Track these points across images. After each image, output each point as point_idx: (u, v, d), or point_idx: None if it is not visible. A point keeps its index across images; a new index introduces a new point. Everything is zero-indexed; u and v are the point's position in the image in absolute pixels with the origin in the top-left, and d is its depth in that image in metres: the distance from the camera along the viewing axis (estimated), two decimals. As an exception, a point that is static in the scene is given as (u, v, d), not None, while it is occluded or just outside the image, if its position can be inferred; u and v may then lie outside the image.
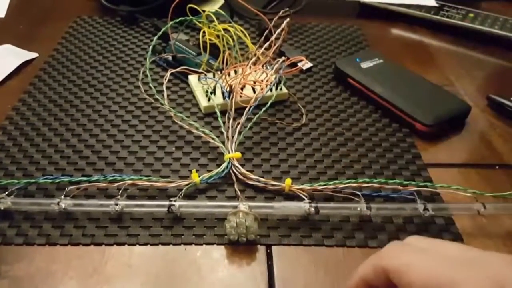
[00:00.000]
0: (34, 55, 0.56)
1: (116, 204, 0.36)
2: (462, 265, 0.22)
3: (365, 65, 0.51)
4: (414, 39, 0.63)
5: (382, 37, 0.63)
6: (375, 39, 0.61)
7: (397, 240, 0.35)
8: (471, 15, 0.63)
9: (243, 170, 0.39)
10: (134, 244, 0.35)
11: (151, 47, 0.47)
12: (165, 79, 0.46)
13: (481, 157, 0.44)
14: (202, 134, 0.43)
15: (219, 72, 0.48)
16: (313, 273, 0.33)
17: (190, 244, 0.35)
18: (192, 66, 0.50)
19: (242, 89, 0.47)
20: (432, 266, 0.23)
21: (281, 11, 0.52)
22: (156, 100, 0.46)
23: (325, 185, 0.38)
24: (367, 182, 0.38)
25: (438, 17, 0.64)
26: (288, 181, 0.38)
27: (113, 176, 0.39)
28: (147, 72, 0.46)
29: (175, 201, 0.36)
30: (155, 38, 0.47)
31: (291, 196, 0.38)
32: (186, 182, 0.38)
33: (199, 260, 0.34)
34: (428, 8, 0.65)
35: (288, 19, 0.48)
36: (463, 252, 0.23)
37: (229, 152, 0.41)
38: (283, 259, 0.34)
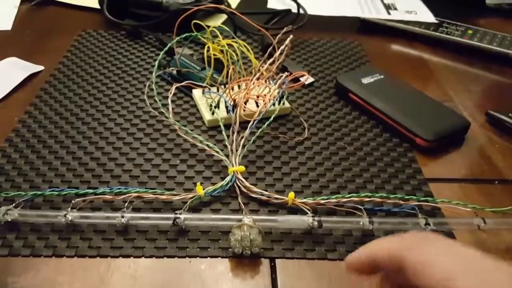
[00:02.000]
0: (40, 68, 0.57)
1: (122, 217, 0.36)
2: (485, 269, 0.22)
3: (366, 80, 0.52)
4: (414, 55, 0.64)
5: (382, 52, 0.64)
6: (375, 55, 0.62)
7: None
8: (470, 31, 0.65)
9: (247, 184, 0.40)
10: (139, 257, 0.35)
11: (157, 62, 0.48)
12: (170, 93, 0.46)
13: (481, 172, 0.45)
14: (206, 148, 0.43)
15: (223, 87, 0.49)
16: (316, 287, 0.34)
17: (195, 256, 0.35)
18: (196, 80, 0.50)
19: (245, 103, 0.48)
20: (454, 268, 0.22)
21: (285, 28, 0.53)
22: (161, 113, 0.46)
23: (327, 199, 0.39)
24: (369, 197, 0.39)
25: (438, 33, 0.65)
26: (291, 194, 0.39)
27: (119, 189, 0.39)
28: (153, 86, 0.47)
29: (180, 214, 0.36)
30: (161, 53, 0.48)
31: (294, 210, 0.39)
32: (190, 195, 0.39)
33: (204, 273, 0.34)
34: (427, 25, 0.66)
35: (291, 36, 0.49)
36: (483, 258, 0.23)
37: (233, 166, 0.41)
38: (286, 272, 0.35)
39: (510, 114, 0.49)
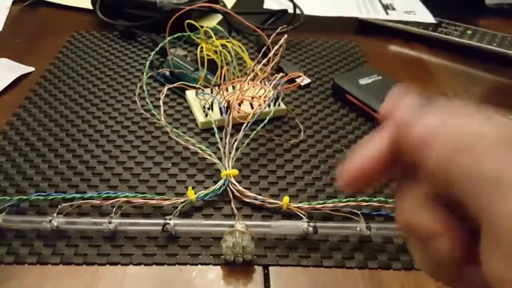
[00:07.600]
0: (31, 69, 0.55)
1: (110, 223, 0.35)
2: (486, 119, 0.17)
3: (363, 81, 0.51)
4: (412, 56, 0.63)
5: (380, 53, 0.63)
6: (373, 56, 0.61)
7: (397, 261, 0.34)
8: (469, 32, 0.63)
9: (240, 188, 0.39)
10: (127, 264, 0.34)
11: (148, 62, 0.47)
12: (162, 94, 0.45)
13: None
14: (199, 150, 0.42)
15: (216, 88, 0.48)
16: (311, 295, 0.32)
17: (185, 264, 0.34)
18: (189, 81, 0.49)
19: (239, 104, 0.47)
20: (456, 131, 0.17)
21: (279, 28, 0.52)
22: (153, 115, 0.45)
23: (323, 203, 0.37)
24: (367, 201, 0.37)
25: (436, 33, 0.64)
26: (286, 199, 0.37)
27: (107, 193, 0.38)
28: (144, 87, 0.46)
29: (170, 219, 0.35)
30: (153, 53, 0.47)
31: (289, 215, 0.37)
32: (181, 200, 0.37)
33: (194, 281, 0.33)
34: (426, 25, 0.65)
35: (286, 36, 0.47)
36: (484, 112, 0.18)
37: (226, 169, 0.40)
38: (280, 280, 0.33)
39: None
